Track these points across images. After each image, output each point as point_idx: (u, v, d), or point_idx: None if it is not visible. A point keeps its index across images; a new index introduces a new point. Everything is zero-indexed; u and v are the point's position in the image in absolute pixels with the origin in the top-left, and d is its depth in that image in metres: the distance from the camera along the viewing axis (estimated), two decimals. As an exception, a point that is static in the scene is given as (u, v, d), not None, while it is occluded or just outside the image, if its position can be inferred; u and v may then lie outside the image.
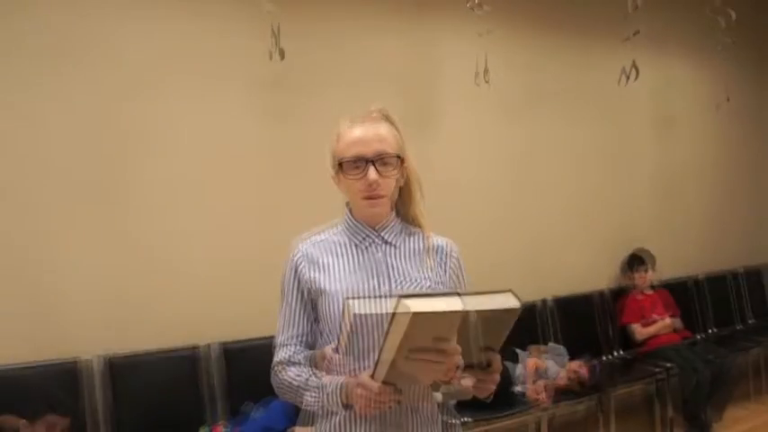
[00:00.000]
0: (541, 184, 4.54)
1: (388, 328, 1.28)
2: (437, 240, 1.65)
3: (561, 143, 4.62)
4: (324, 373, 1.54)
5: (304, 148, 3.54)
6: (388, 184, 1.54)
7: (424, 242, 1.62)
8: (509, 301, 1.28)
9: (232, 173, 3.46)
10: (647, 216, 5.10)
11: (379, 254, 1.58)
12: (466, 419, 3.29)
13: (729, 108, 5.14)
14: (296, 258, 1.59)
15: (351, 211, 1.62)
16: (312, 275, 1.56)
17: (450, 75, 4.16)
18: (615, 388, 3.85)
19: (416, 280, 1.56)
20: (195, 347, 3.31)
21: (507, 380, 3.77)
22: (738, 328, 5.28)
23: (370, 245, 1.58)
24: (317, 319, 1.59)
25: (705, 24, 4.97)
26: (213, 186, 3.41)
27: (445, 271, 1.63)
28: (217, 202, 3.42)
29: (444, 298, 1.27)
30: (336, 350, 1.43)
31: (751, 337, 4.94)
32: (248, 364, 3.31)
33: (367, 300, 1.36)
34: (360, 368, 1.44)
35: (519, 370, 3.85)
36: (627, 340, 4.62)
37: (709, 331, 5.13)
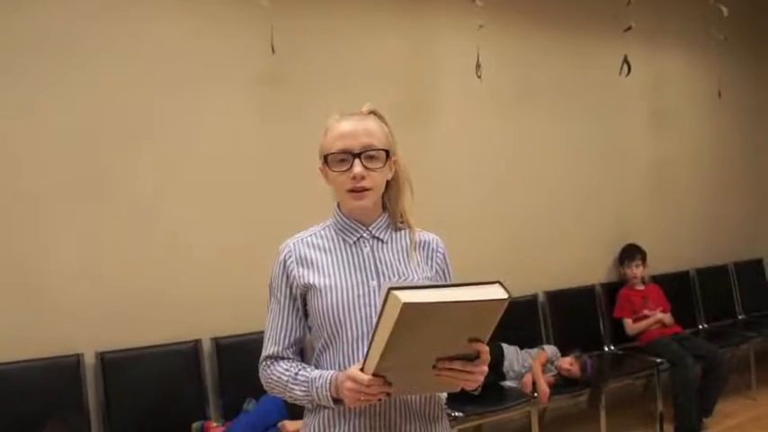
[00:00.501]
0: (534, 179, 4.55)
1: (378, 320, 1.29)
2: (424, 236, 1.66)
3: (554, 138, 4.63)
4: (314, 369, 1.54)
5: (300, 146, 3.51)
6: (375, 179, 1.54)
7: (411, 238, 1.63)
8: (497, 293, 1.29)
9: (228, 171, 3.46)
10: (641, 210, 5.11)
11: (367, 249, 1.58)
12: (457, 414, 3.31)
13: (723, 102, 5.17)
14: (284, 255, 1.59)
15: (339, 207, 1.63)
16: (301, 271, 1.56)
17: (444, 70, 4.16)
18: (606, 383, 3.86)
19: (404, 275, 1.57)
20: (188, 343, 3.31)
21: (497, 373, 3.79)
22: (730, 322, 5.30)
23: (357, 240, 1.59)
24: (306, 315, 1.60)
25: (699, 19, 5.00)
26: (208, 184, 3.41)
27: (432, 267, 1.64)
28: (211, 199, 3.42)
29: (434, 290, 1.28)
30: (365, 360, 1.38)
31: (742, 332, 4.96)
32: (241, 360, 3.31)
33: (416, 290, 1.28)
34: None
35: (506, 365, 3.86)
36: (619, 335, 4.64)
37: (701, 326, 5.15)
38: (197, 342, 3.33)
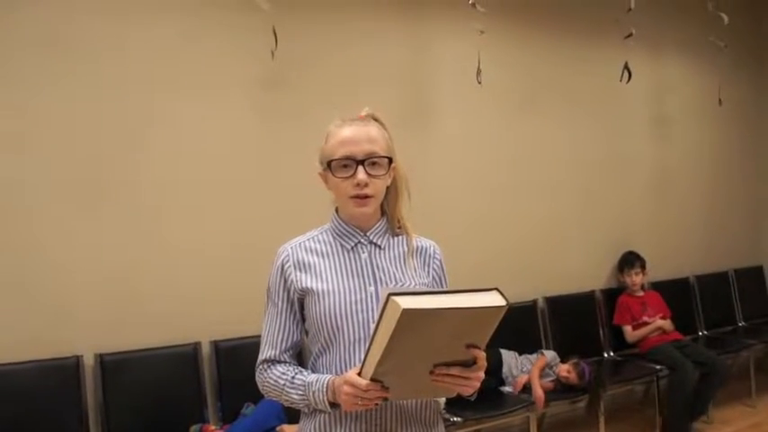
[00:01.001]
0: (535, 185, 4.55)
1: (377, 325, 1.30)
2: (421, 242, 1.67)
3: (555, 144, 4.64)
4: (311, 373, 1.55)
5: (300, 149, 3.49)
6: (377, 185, 1.55)
7: (408, 244, 1.63)
8: (495, 300, 1.30)
9: (227, 173, 3.46)
10: (641, 216, 5.11)
11: (365, 255, 1.59)
12: (456, 419, 3.30)
13: (723, 109, 5.17)
14: (282, 259, 1.60)
15: (338, 212, 1.63)
16: (298, 276, 1.57)
17: (444, 75, 4.17)
18: (605, 389, 3.86)
19: (401, 281, 1.57)
20: (187, 346, 3.31)
21: (496, 378, 3.79)
22: (730, 329, 5.29)
23: (355, 245, 1.59)
24: (303, 319, 1.60)
25: (699, 26, 5.00)
26: (208, 187, 3.41)
27: (428, 273, 1.65)
28: (211, 202, 3.42)
29: (433, 296, 1.29)
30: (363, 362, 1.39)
31: (742, 339, 4.95)
32: (240, 363, 3.30)
33: (415, 296, 1.29)
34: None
35: (505, 370, 3.86)
36: (619, 341, 4.64)
37: (700, 333, 5.14)
38: (196, 345, 3.34)
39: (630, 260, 4.73)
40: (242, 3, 3.38)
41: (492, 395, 3.69)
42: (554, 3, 4.62)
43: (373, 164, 1.53)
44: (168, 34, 3.33)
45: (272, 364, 1.58)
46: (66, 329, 3.07)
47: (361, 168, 1.51)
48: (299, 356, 1.65)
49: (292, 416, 2.93)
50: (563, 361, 3.97)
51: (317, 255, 1.59)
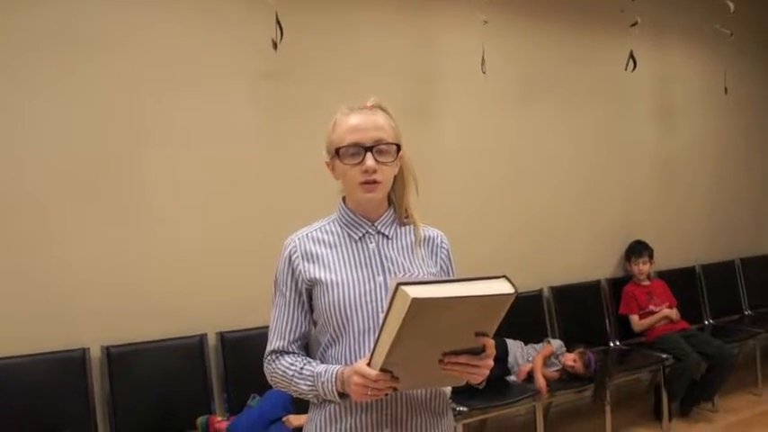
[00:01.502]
0: (540, 174, 4.54)
1: (386, 315, 1.29)
2: (428, 232, 1.66)
3: (560, 133, 4.62)
4: (320, 364, 1.55)
5: (305, 140, 3.52)
6: (385, 173, 1.54)
7: (416, 234, 1.63)
8: (504, 287, 1.29)
9: (232, 166, 3.46)
10: (646, 206, 5.10)
11: (373, 245, 1.58)
12: (462, 408, 3.31)
13: (729, 98, 5.15)
14: (289, 250, 1.59)
15: (345, 202, 1.63)
16: (306, 266, 1.56)
17: (448, 65, 4.15)
18: (611, 379, 3.86)
19: (409, 271, 1.57)
20: (193, 337, 3.32)
21: (501, 368, 3.79)
22: (736, 318, 5.29)
23: (363, 235, 1.59)
24: (311, 310, 1.60)
25: (705, 14, 4.98)
26: (213, 179, 3.41)
27: (436, 262, 1.65)
28: (216, 194, 3.42)
29: (442, 285, 1.29)
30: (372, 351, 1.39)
31: (748, 328, 4.94)
32: (246, 354, 3.32)
33: (424, 285, 1.28)
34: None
35: (511, 359, 3.86)
36: (624, 330, 4.63)
37: (706, 322, 5.14)
38: (202, 336, 3.34)
39: (638, 249, 4.73)
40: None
41: (498, 385, 3.69)
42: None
43: (381, 151, 1.53)
44: (171, 28, 3.31)
45: (281, 354, 1.58)
46: (73, 322, 3.08)
47: (369, 155, 1.51)
48: (306, 347, 1.65)
49: (299, 406, 2.95)
50: (569, 350, 3.97)
51: (325, 245, 1.59)
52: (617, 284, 4.76)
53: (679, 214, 5.27)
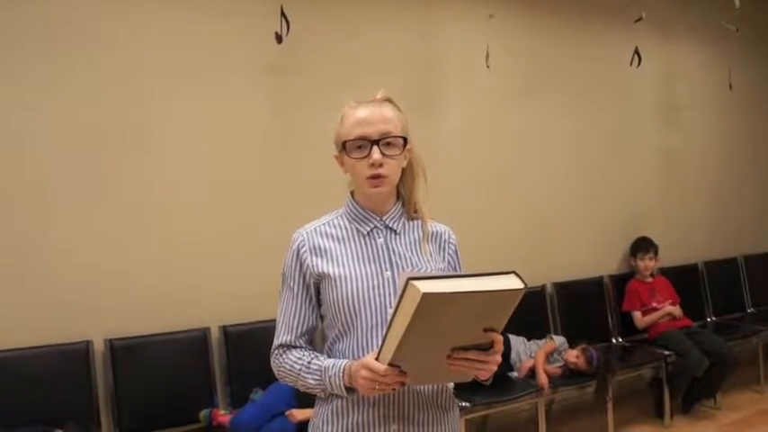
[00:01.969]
0: (543, 170, 4.54)
1: (396, 310, 1.29)
2: (436, 227, 1.66)
3: (564, 129, 4.62)
4: (327, 358, 1.54)
5: (310, 134, 3.53)
6: (392, 166, 1.53)
7: (424, 229, 1.63)
8: (513, 283, 1.29)
9: (236, 160, 3.46)
10: (650, 203, 5.10)
11: (381, 240, 1.58)
12: (465, 404, 3.31)
13: (734, 95, 5.13)
14: (298, 244, 1.58)
15: (353, 196, 1.62)
16: (314, 261, 1.56)
17: (453, 60, 4.14)
18: (614, 375, 3.86)
19: (417, 266, 1.57)
20: (196, 331, 3.32)
21: (504, 363, 3.79)
22: (738, 316, 5.29)
23: (371, 230, 1.58)
24: (318, 304, 1.59)
25: (710, 10, 4.96)
26: (217, 173, 3.41)
27: (443, 258, 1.64)
28: (220, 188, 3.42)
29: (452, 280, 1.28)
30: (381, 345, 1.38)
31: (751, 325, 4.94)
32: (249, 348, 3.34)
33: (434, 280, 1.27)
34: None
35: (513, 355, 3.86)
36: (627, 327, 4.63)
37: (709, 319, 5.14)
38: (206, 330, 3.34)
39: (644, 245, 4.72)
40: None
41: (500, 381, 3.69)
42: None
43: (388, 144, 1.52)
44: (175, 22, 3.31)
45: (288, 348, 1.58)
46: (77, 315, 3.08)
47: (375, 148, 1.50)
48: (312, 342, 1.65)
49: (302, 400, 2.95)
50: (571, 347, 3.97)
51: (333, 240, 1.58)
52: (620, 281, 4.76)
53: (682, 211, 5.26)
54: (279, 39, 3.35)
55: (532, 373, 3.77)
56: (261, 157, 3.53)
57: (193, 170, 3.35)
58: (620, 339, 4.64)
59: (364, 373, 1.38)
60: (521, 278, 1.30)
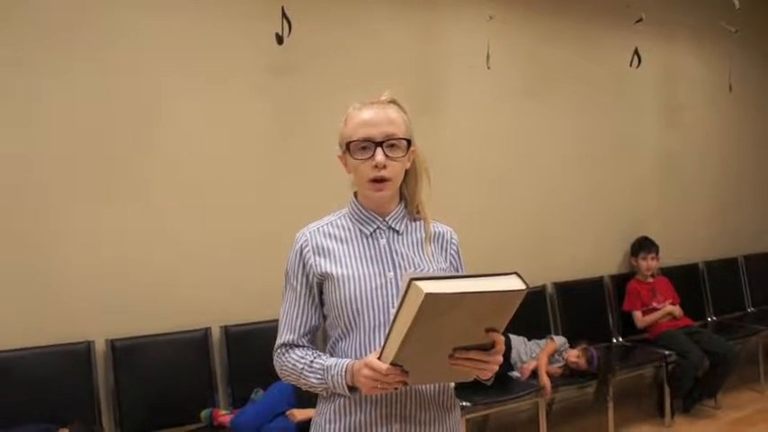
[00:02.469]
0: (543, 171, 4.54)
1: (399, 310, 1.30)
2: (438, 228, 1.67)
3: (564, 129, 4.62)
4: (330, 357, 1.55)
5: (310, 133, 3.54)
6: (395, 168, 1.54)
7: (426, 230, 1.63)
8: (515, 284, 1.30)
9: (237, 159, 3.46)
10: (650, 203, 5.10)
11: (383, 240, 1.59)
12: (465, 404, 3.31)
13: (734, 95, 5.14)
14: (301, 244, 1.59)
15: (356, 197, 1.63)
16: (317, 261, 1.57)
17: (453, 61, 4.15)
18: (614, 375, 3.87)
19: (419, 266, 1.57)
20: (197, 331, 3.33)
21: (505, 363, 3.79)
22: (739, 315, 5.29)
23: (374, 231, 1.59)
24: (321, 304, 1.60)
25: (710, 11, 4.97)
26: (218, 173, 3.41)
27: (446, 258, 1.65)
28: (221, 189, 3.42)
29: (454, 280, 1.29)
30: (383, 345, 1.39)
31: (751, 325, 4.95)
32: (250, 348, 3.34)
33: (437, 280, 1.28)
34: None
35: (514, 355, 3.86)
36: (627, 326, 4.64)
37: (709, 319, 5.14)
38: (207, 330, 3.35)
39: (646, 245, 4.73)
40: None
41: (500, 380, 3.69)
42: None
43: (392, 146, 1.53)
44: (176, 22, 3.31)
45: (291, 348, 1.58)
46: (78, 315, 3.08)
47: (379, 150, 1.51)
48: (313, 341, 1.65)
49: (302, 400, 2.95)
50: (572, 346, 3.97)
51: (336, 240, 1.59)
52: (620, 281, 4.76)
53: (683, 211, 5.27)
54: (280, 40, 3.35)
55: (534, 374, 3.77)
56: (261, 157, 3.53)
57: (195, 170, 3.35)
58: (621, 339, 4.65)
59: (366, 372, 1.39)
60: (522, 279, 1.31)
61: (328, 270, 1.55)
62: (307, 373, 1.53)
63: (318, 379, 1.51)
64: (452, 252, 1.67)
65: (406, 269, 1.55)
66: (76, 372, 3.04)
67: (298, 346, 1.58)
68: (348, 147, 1.54)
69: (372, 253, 1.57)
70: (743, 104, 5.57)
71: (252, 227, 3.47)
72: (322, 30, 3.65)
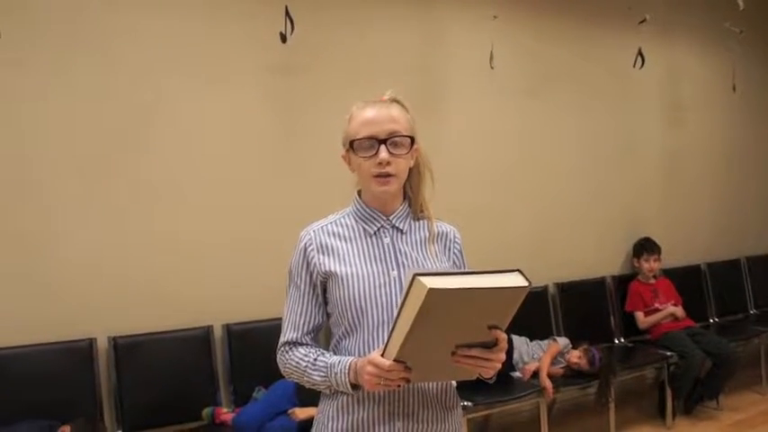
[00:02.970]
0: (546, 171, 4.54)
1: (402, 306, 1.30)
2: (442, 227, 1.67)
3: (567, 130, 4.62)
4: (333, 355, 1.55)
5: (313, 132, 3.55)
6: (399, 165, 1.55)
7: (429, 229, 1.64)
8: (517, 280, 1.30)
9: (239, 158, 3.46)
10: (653, 203, 5.10)
11: (387, 239, 1.59)
12: (466, 404, 3.31)
13: (738, 96, 5.13)
14: (305, 242, 1.60)
15: (360, 196, 1.64)
16: (321, 259, 1.57)
17: (457, 61, 4.14)
18: (615, 376, 3.87)
19: (423, 265, 1.58)
20: (200, 329, 3.33)
21: (507, 363, 3.79)
22: (741, 317, 5.29)
23: (378, 230, 1.60)
24: (325, 302, 1.61)
25: (714, 12, 4.96)
26: (221, 172, 3.41)
27: (449, 257, 1.66)
28: (224, 187, 3.42)
29: (457, 276, 1.30)
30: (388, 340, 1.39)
31: (753, 327, 4.94)
32: (252, 346, 3.34)
33: (440, 276, 1.28)
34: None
35: (515, 355, 3.86)
36: (629, 327, 4.63)
37: (711, 320, 5.14)
38: (209, 328, 3.35)
39: (649, 246, 4.72)
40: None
41: (502, 380, 3.69)
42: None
43: (395, 143, 1.53)
44: (177, 22, 3.31)
45: (294, 346, 1.59)
46: (80, 313, 3.09)
47: (383, 147, 1.52)
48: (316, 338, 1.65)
49: (304, 399, 2.95)
50: (574, 347, 3.97)
51: (340, 239, 1.59)
52: (622, 281, 4.76)
53: (685, 212, 5.26)
54: (283, 39, 3.36)
55: (535, 375, 3.77)
56: (264, 156, 3.54)
57: (197, 169, 3.36)
58: (623, 340, 4.64)
59: (369, 368, 1.39)
60: (525, 276, 1.31)
61: (332, 268, 1.55)
62: (310, 371, 1.54)
63: (322, 377, 1.52)
64: (456, 251, 1.67)
65: (409, 268, 1.55)
66: (79, 369, 3.04)
67: (301, 344, 1.59)
68: (352, 145, 1.55)
69: (376, 252, 1.57)
70: (747, 105, 5.56)
71: (254, 226, 3.47)
72: (325, 29, 3.66)
